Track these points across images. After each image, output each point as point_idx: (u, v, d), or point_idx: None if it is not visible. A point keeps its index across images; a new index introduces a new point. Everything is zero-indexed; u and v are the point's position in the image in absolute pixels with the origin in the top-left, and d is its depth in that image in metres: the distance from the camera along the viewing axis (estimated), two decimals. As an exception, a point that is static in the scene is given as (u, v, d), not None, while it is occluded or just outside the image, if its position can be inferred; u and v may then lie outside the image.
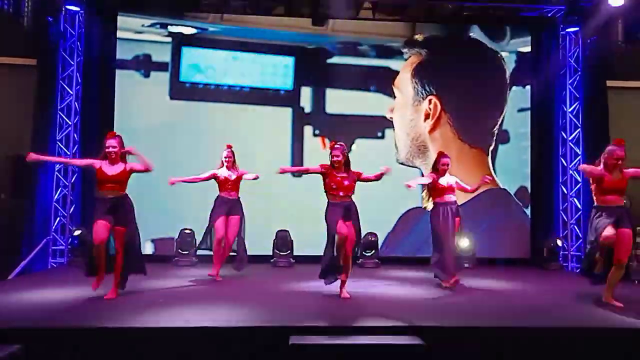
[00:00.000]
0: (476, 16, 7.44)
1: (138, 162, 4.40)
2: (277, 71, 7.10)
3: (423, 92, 7.19)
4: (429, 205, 5.23)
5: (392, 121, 7.20)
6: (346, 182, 4.46)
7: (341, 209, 4.46)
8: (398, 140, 7.20)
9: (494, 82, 7.29)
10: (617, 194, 4.33)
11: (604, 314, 4.11)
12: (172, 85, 6.99)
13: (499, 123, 7.26)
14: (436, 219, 5.14)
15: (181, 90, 7.01)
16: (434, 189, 5.19)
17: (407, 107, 7.20)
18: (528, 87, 7.37)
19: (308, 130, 7.17)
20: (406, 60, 7.23)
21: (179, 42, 7.00)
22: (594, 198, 4.46)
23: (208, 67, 7.03)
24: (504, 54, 7.35)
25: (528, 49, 7.38)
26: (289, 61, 7.11)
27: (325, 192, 4.56)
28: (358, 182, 4.58)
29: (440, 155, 5.25)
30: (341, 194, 4.47)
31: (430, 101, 7.18)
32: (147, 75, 7.01)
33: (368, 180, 4.59)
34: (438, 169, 5.17)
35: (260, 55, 7.08)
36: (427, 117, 7.19)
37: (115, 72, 6.93)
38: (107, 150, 4.31)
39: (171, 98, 6.99)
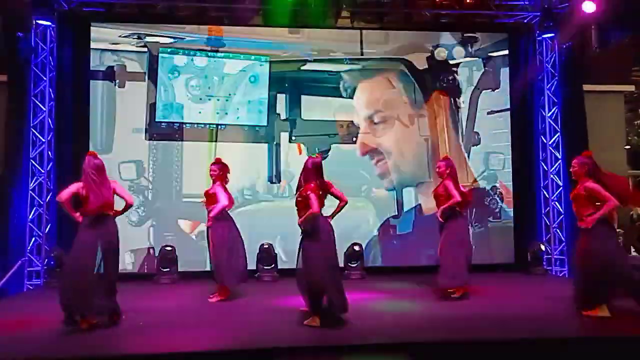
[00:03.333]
0: (453, 23, 7.49)
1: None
2: (253, 107, 7.01)
3: (422, 93, 7.22)
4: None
5: (375, 152, 7.09)
6: None
7: None
8: (403, 158, 7.11)
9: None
10: None
11: (597, 324, 4.10)
12: (149, 126, 6.84)
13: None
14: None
15: (158, 131, 6.86)
16: (436, 198, 5.23)
17: (410, 118, 7.19)
18: (497, 92, 7.37)
19: (284, 136, 7.07)
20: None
21: (154, 80, 6.86)
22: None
23: (181, 107, 6.89)
24: (473, 59, 7.38)
25: (497, 54, 7.42)
26: (264, 94, 7.02)
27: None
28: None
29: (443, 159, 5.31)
30: None
31: (436, 96, 7.20)
32: (122, 86, 6.84)
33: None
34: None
35: (234, 95, 6.98)
36: (434, 115, 7.19)
37: (90, 87, 6.77)
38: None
39: (148, 139, 6.83)
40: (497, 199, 7.28)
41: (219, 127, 6.96)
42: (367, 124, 7.15)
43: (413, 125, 7.21)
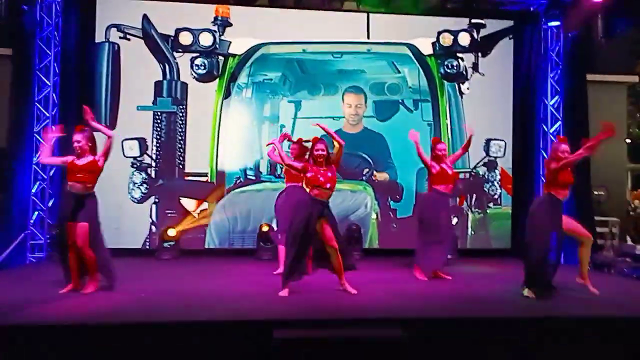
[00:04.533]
0: (459, 9, 7.45)
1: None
2: (258, 88, 7.04)
3: (427, 78, 7.31)
4: None
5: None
6: (329, 174, 4.41)
7: (320, 207, 4.40)
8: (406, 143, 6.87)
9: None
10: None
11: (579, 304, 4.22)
12: (153, 103, 6.89)
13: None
14: (427, 206, 5.28)
15: (162, 109, 6.91)
16: (431, 175, 5.30)
17: (414, 102, 7.27)
18: (501, 79, 7.34)
19: (289, 118, 7.09)
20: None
21: (160, 57, 6.90)
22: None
23: (186, 86, 6.93)
24: (478, 45, 7.34)
25: (502, 41, 7.38)
26: (269, 75, 7.06)
27: (311, 187, 4.43)
28: None
29: (436, 141, 5.43)
30: (328, 185, 4.39)
31: (440, 81, 7.32)
32: (126, 62, 6.83)
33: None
34: (436, 156, 5.30)
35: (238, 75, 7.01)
36: (438, 101, 7.30)
37: (95, 62, 6.77)
38: (73, 145, 4.37)
39: (152, 116, 6.90)
40: (497, 185, 7.35)
41: (223, 106, 6.99)
42: (372, 108, 7.18)
43: (417, 110, 7.24)
